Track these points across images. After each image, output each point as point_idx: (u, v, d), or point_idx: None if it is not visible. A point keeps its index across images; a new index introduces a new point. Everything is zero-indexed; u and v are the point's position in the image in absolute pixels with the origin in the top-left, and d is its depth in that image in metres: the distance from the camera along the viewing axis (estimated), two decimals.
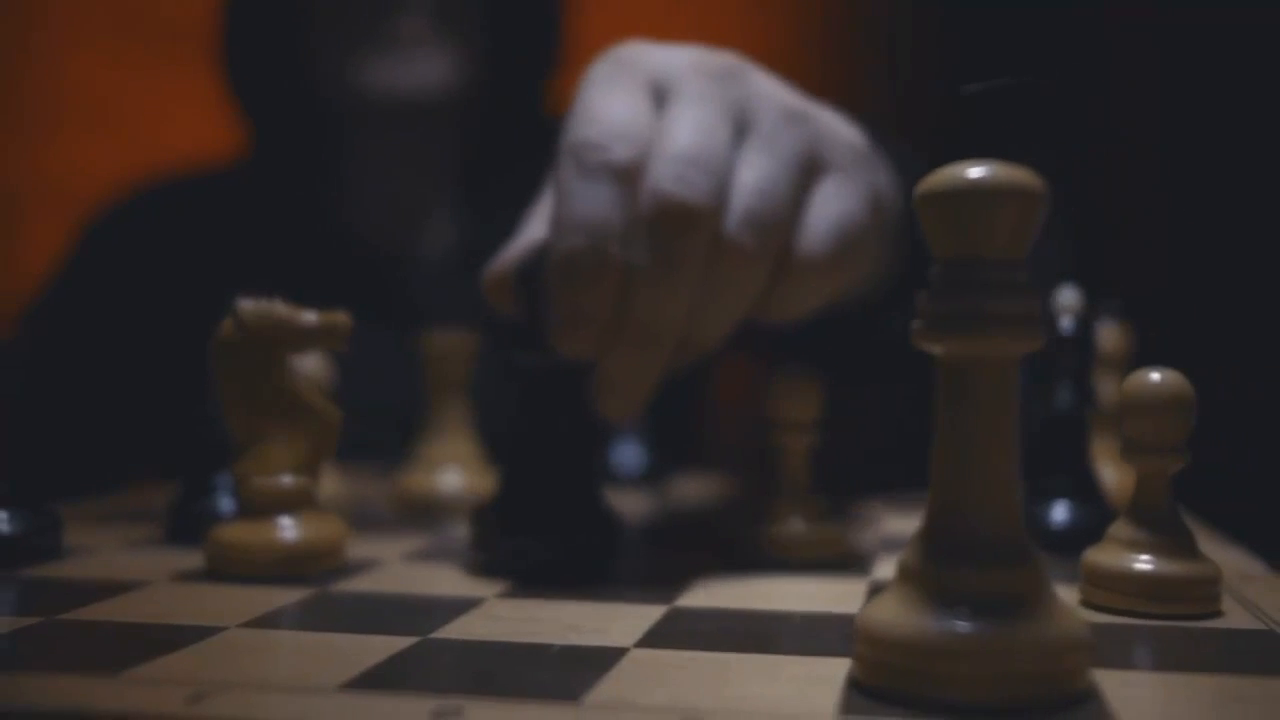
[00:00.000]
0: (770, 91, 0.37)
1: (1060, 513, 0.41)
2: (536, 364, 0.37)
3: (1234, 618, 0.31)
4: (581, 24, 0.85)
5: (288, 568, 0.36)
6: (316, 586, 0.35)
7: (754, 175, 0.35)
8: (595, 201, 0.34)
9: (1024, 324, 0.23)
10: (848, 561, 0.39)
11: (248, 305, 0.36)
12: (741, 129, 0.36)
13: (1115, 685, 0.25)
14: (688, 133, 0.35)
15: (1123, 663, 0.27)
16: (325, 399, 0.38)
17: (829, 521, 0.39)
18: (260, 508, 0.36)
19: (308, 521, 0.37)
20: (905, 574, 0.24)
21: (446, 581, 0.36)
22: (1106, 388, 0.53)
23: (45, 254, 0.93)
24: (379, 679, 0.25)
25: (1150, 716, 0.23)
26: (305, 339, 0.37)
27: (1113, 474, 0.52)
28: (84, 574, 0.36)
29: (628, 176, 0.34)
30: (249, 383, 0.36)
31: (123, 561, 0.38)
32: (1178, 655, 0.28)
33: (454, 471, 0.50)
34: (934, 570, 0.24)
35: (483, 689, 0.25)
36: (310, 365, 0.47)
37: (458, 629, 0.30)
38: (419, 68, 0.74)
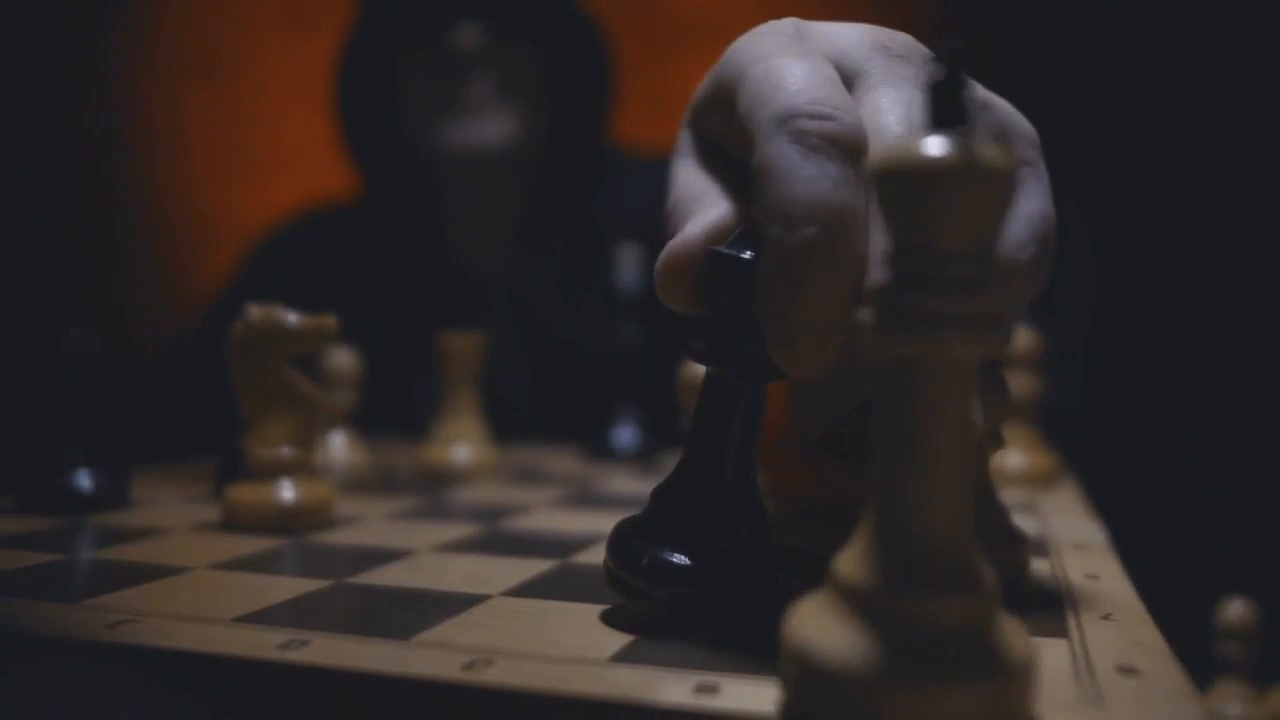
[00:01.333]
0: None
1: None
2: (743, 377, 0.25)
3: (1032, 580, 0.29)
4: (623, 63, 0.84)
5: (284, 521, 0.36)
6: (295, 537, 0.35)
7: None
8: (828, 182, 0.22)
9: (982, 325, 0.17)
10: None
11: (254, 310, 0.37)
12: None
13: None
14: (905, 115, 0.25)
15: None
16: (314, 387, 0.38)
17: None
18: (263, 473, 0.37)
19: (302, 484, 0.37)
20: (846, 592, 0.18)
21: (402, 536, 0.36)
22: (1017, 384, 0.50)
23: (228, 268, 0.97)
24: (269, 615, 0.25)
25: None
26: (298, 338, 0.37)
27: (1020, 458, 0.49)
28: (127, 522, 0.37)
29: (857, 152, 0.23)
30: (255, 373, 0.37)
31: (166, 513, 0.39)
32: None
33: (464, 446, 0.50)
34: (886, 593, 0.17)
35: (342, 626, 0.24)
36: (342, 360, 0.47)
37: (372, 575, 0.30)
38: (486, 128, 0.74)
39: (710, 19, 1.37)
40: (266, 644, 0.23)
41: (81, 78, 1.76)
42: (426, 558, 0.32)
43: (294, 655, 0.22)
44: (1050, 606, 0.27)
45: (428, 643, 0.23)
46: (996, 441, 0.30)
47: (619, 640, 0.23)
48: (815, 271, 0.22)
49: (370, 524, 0.38)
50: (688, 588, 0.24)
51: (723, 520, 0.25)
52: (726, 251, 0.24)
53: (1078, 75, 1.43)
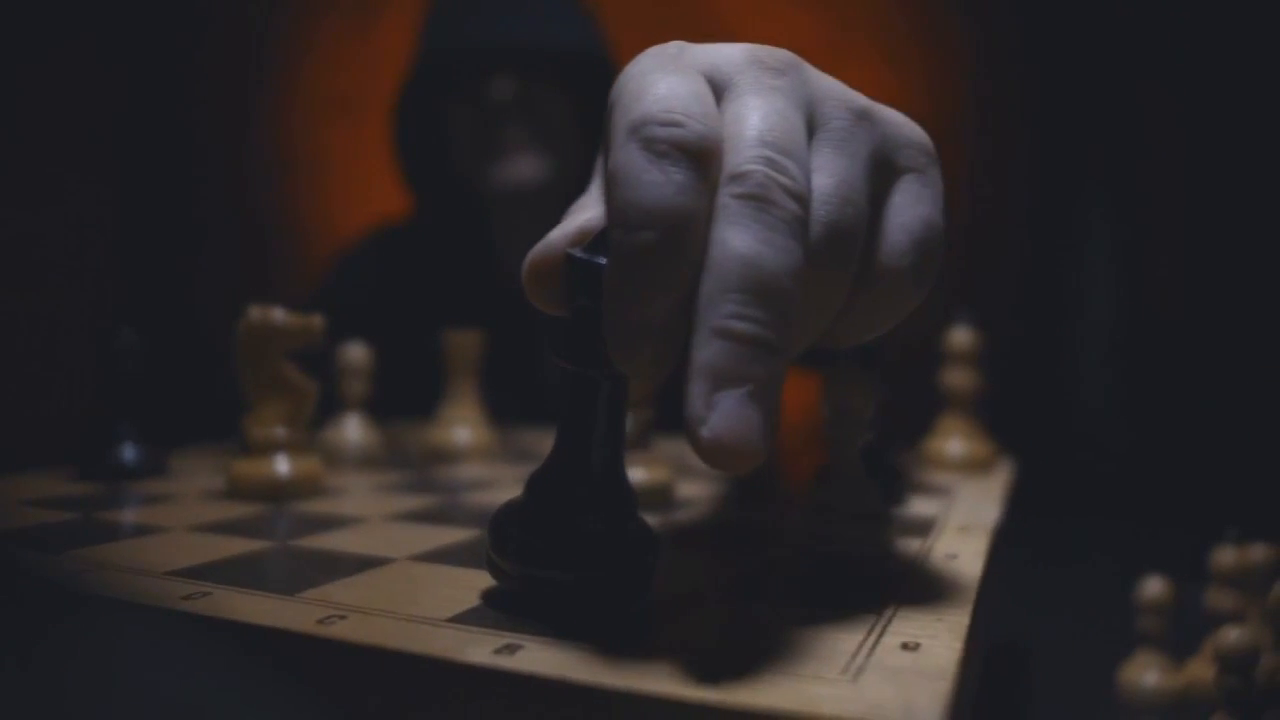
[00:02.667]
0: (833, 87, 0.25)
1: None
2: (600, 374, 0.23)
3: (892, 560, 0.28)
4: None
5: (278, 491, 0.37)
6: (277, 505, 0.36)
7: (831, 181, 0.22)
8: (670, 187, 0.20)
9: None
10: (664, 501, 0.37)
11: (253, 310, 0.38)
12: (809, 128, 0.23)
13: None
14: (762, 120, 0.22)
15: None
16: (304, 377, 0.39)
17: (659, 469, 0.37)
18: (259, 449, 0.38)
19: (294, 459, 0.38)
20: None
21: (367, 505, 0.36)
22: (958, 378, 0.48)
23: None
24: (200, 570, 0.26)
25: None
26: (289, 335, 0.38)
27: (960, 446, 0.47)
28: (151, 489, 0.38)
29: (705, 159, 0.21)
30: (254, 364, 0.38)
31: (187, 483, 0.40)
32: (781, 586, 0.25)
33: (463, 428, 0.50)
34: None
35: (249, 582, 0.25)
36: (355, 353, 0.48)
37: (314, 539, 0.30)
38: (520, 168, 0.75)
39: None
40: (174, 595, 0.23)
41: (233, 116, 1.84)
42: (372, 524, 0.33)
43: (188, 604, 0.23)
44: (886, 583, 0.25)
45: (307, 598, 0.23)
46: (866, 431, 0.29)
47: (468, 604, 0.23)
48: (651, 274, 0.20)
49: (350, 495, 0.39)
50: (552, 572, 0.22)
51: (589, 508, 0.23)
52: (580, 255, 0.22)
53: (1098, 98, 1.37)
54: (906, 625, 0.22)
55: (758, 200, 0.20)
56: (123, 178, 1.75)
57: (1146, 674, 0.43)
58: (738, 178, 0.20)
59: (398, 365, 0.60)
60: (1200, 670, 0.42)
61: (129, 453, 0.41)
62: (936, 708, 0.17)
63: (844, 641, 0.20)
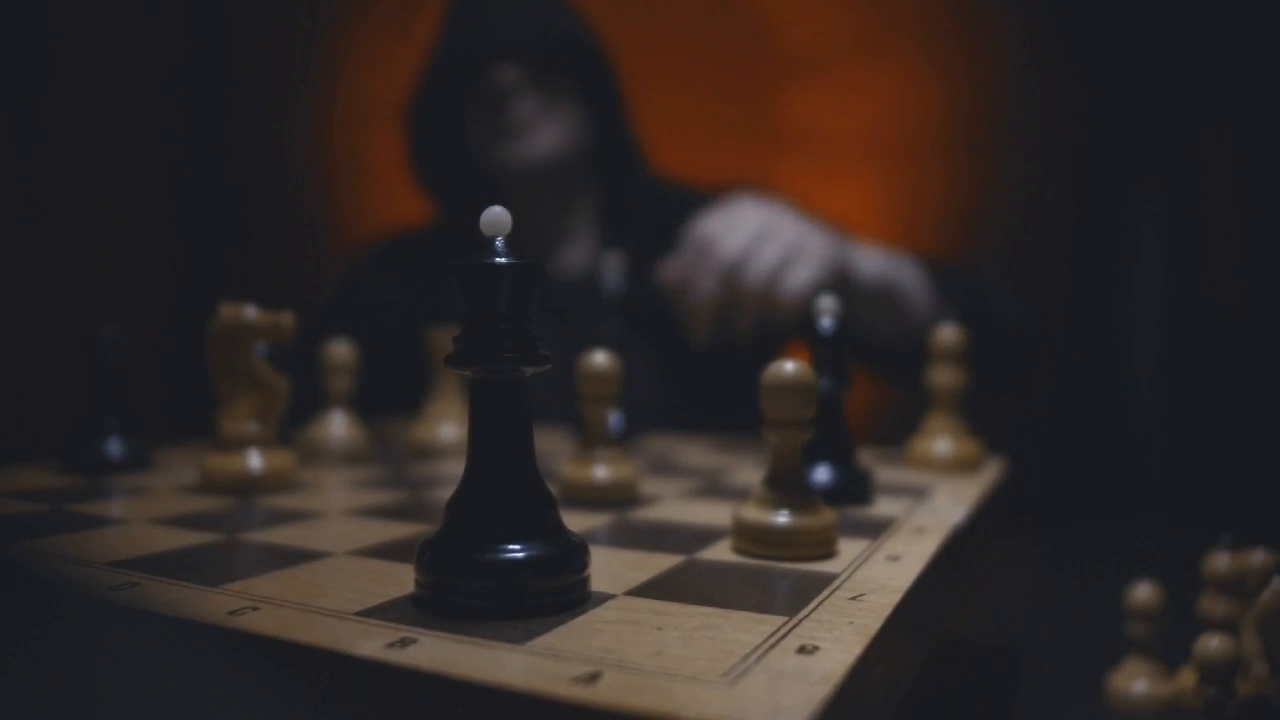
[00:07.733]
0: (790, 221, 0.60)
1: (822, 473, 0.37)
2: (494, 373, 0.24)
3: (831, 561, 0.27)
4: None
5: (250, 485, 0.38)
6: (243, 499, 0.37)
7: (765, 259, 0.58)
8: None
9: None
10: (628, 500, 0.37)
11: (224, 308, 0.38)
12: (767, 235, 0.59)
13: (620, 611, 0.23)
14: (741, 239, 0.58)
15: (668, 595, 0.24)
16: (276, 373, 0.39)
17: (623, 470, 0.37)
18: (231, 444, 0.39)
19: (265, 454, 0.39)
20: None
21: (331, 501, 0.37)
22: (944, 377, 0.47)
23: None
24: (140, 562, 0.27)
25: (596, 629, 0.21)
26: (259, 330, 0.38)
27: (947, 445, 0.46)
28: (128, 483, 0.40)
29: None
30: (227, 360, 0.39)
31: (166, 477, 0.41)
32: (702, 588, 0.25)
33: (448, 424, 0.51)
34: None
35: (181, 574, 0.25)
36: (340, 350, 0.49)
37: (264, 533, 0.31)
38: (531, 144, 0.75)
39: (813, 54, 1.34)
40: (103, 585, 0.24)
41: (278, 119, 1.88)
42: (329, 519, 0.33)
43: (116, 595, 0.23)
44: (812, 585, 0.25)
45: (229, 590, 0.24)
46: (806, 429, 0.28)
47: (383, 598, 0.23)
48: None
49: (320, 490, 0.39)
50: (456, 598, 0.22)
51: (494, 531, 0.23)
52: (465, 263, 0.23)
53: (1145, 91, 1.34)
54: (815, 628, 0.21)
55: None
56: (178, 179, 1.79)
57: (1135, 682, 0.42)
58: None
59: (402, 366, 0.60)
60: (1191, 679, 0.41)
61: (113, 446, 0.43)
62: (804, 712, 0.17)
63: (741, 644, 0.20)
